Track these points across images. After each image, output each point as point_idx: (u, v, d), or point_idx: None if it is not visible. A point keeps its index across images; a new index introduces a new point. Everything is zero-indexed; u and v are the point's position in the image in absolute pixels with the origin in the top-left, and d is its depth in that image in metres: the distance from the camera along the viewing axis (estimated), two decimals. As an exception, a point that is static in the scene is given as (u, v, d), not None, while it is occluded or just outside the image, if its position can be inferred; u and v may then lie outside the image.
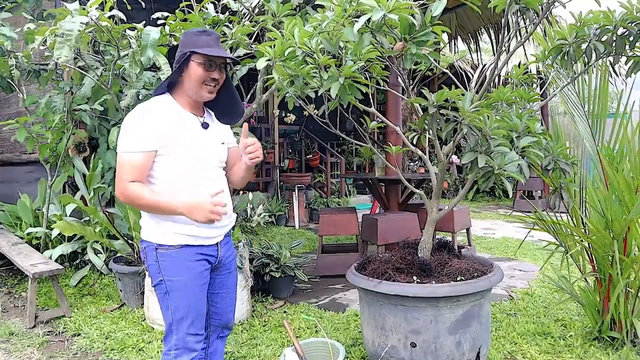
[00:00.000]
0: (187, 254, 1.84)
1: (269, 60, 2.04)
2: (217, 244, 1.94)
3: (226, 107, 2.00)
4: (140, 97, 3.53)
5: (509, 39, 2.32)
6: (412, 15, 1.82)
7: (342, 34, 1.88)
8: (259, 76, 3.79)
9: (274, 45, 2.04)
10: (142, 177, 1.79)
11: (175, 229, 1.82)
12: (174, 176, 1.82)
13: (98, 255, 4.40)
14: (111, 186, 4.19)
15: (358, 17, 1.78)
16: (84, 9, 3.03)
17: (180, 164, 1.82)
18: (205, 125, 1.92)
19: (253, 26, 3.38)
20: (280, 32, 2.09)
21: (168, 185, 1.82)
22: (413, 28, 1.87)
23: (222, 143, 1.99)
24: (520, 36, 2.48)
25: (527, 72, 2.75)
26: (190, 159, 1.83)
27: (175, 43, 3.27)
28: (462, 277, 2.45)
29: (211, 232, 1.89)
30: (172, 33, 3.26)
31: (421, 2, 2.13)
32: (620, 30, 2.09)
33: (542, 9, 2.03)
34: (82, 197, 4.59)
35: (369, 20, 1.74)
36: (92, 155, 4.62)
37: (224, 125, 2.06)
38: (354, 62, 1.94)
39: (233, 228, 2.14)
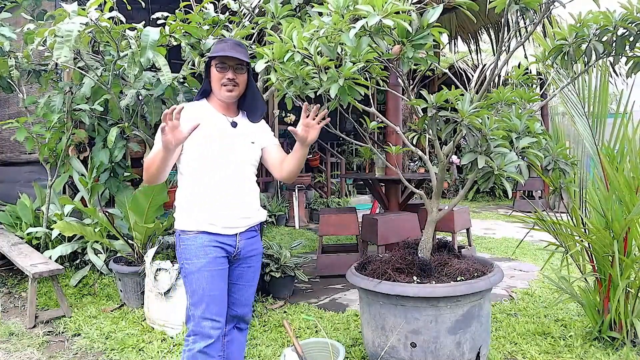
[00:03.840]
0: (204, 240, 1.96)
1: (267, 62, 2.08)
2: (236, 235, 2.03)
3: (250, 107, 2.13)
4: (140, 98, 3.52)
5: (509, 38, 2.32)
6: (408, 20, 1.82)
7: (340, 39, 1.88)
8: (259, 76, 3.78)
9: (273, 48, 2.05)
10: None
11: (196, 216, 1.97)
12: (199, 169, 1.97)
13: (98, 255, 4.40)
14: (108, 187, 4.18)
15: (356, 20, 1.78)
16: (83, 9, 3.02)
17: (206, 159, 1.97)
18: (234, 124, 2.06)
19: (252, 28, 3.37)
20: (278, 35, 2.10)
21: (193, 177, 1.99)
22: (410, 31, 1.88)
23: (252, 142, 2.09)
24: (520, 36, 2.48)
25: (527, 73, 2.75)
26: (216, 155, 1.97)
27: (175, 44, 3.27)
28: (462, 277, 2.45)
29: (230, 223, 2.00)
30: (172, 34, 3.25)
31: (420, 4, 2.13)
32: (620, 31, 2.09)
33: (541, 9, 2.03)
34: (82, 198, 4.59)
35: (366, 24, 1.74)
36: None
37: (262, 125, 2.17)
38: (354, 64, 1.95)
39: (262, 225, 2.19)
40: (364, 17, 1.73)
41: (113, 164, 4.07)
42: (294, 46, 1.98)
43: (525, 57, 6.64)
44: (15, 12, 4.32)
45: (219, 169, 1.98)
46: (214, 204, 1.97)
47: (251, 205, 2.08)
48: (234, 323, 2.20)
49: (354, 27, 1.74)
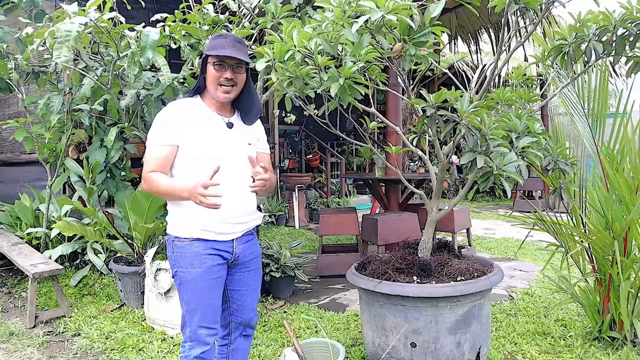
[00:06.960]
0: (199, 248, 1.90)
1: (268, 61, 2.06)
2: (232, 240, 1.97)
3: (246, 107, 2.04)
4: (140, 97, 3.53)
5: (509, 38, 2.32)
6: (410, 16, 1.82)
7: (342, 36, 1.88)
8: (259, 76, 3.78)
9: (273, 48, 2.04)
10: (165, 169, 1.89)
11: (191, 222, 1.90)
12: (193, 172, 1.87)
13: (98, 255, 4.40)
14: (106, 187, 4.18)
15: (358, 17, 1.78)
16: (82, 9, 3.02)
17: (201, 160, 1.88)
18: (230, 125, 1.98)
19: (252, 28, 3.37)
20: (278, 35, 2.09)
21: (186, 179, 1.88)
22: (412, 29, 1.88)
23: (249, 144, 2.02)
24: (520, 36, 2.49)
25: (525, 75, 2.75)
26: (211, 156, 1.89)
27: (174, 46, 3.27)
28: (462, 278, 2.45)
29: (225, 228, 1.93)
30: (172, 34, 3.25)
31: (421, 2, 2.13)
32: (620, 31, 2.09)
33: (541, 8, 2.03)
34: (80, 198, 4.58)
35: (367, 20, 1.74)
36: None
37: (258, 128, 2.10)
38: (354, 63, 1.95)
39: (257, 228, 2.16)
40: (366, 14, 1.73)
41: (109, 164, 4.07)
42: (295, 45, 1.97)
43: (526, 60, 6.64)
44: (11, 12, 4.32)
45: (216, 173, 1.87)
46: (209, 209, 1.83)
47: (247, 209, 1.99)
48: (240, 331, 2.14)
49: (356, 22, 1.74)
